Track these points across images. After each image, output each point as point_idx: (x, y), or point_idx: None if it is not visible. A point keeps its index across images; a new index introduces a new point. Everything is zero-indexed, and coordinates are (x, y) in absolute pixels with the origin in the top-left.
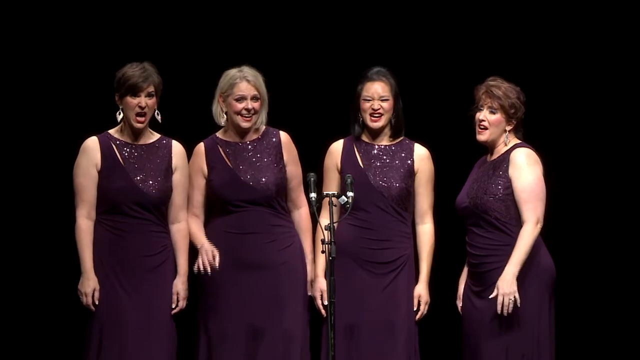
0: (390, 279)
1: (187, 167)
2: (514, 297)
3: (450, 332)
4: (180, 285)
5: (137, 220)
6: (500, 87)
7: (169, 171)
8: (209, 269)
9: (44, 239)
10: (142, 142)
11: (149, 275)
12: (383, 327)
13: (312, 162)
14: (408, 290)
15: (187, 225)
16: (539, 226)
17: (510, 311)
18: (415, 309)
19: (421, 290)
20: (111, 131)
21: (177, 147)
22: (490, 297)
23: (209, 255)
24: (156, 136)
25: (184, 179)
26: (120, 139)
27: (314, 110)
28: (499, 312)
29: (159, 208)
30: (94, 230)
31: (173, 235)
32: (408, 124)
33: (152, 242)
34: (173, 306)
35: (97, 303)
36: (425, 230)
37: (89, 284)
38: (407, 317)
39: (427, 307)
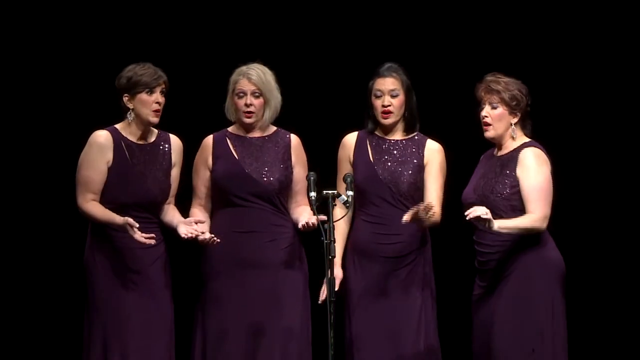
0: (405, 274)
1: (181, 161)
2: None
3: (461, 332)
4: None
5: (138, 218)
6: (499, 82)
7: (169, 168)
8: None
9: (41, 238)
10: (145, 141)
11: (150, 270)
12: (397, 325)
13: (316, 162)
14: (423, 286)
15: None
16: (545, 223)
17: (472, 215)
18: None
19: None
20: (118, 127)
21: (175, 143)
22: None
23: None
24: (156, 132)
25: (179, 172)
26: (128, 137)
27: (321, 109)
28: (467, 213)
29: (159, 206)
30: (95, 227)
31: (166, 214)
32: (423, 120)
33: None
34: (197, 230)
35: (136, 226)
36: None
37: (125, 224)
38: (422, 314)
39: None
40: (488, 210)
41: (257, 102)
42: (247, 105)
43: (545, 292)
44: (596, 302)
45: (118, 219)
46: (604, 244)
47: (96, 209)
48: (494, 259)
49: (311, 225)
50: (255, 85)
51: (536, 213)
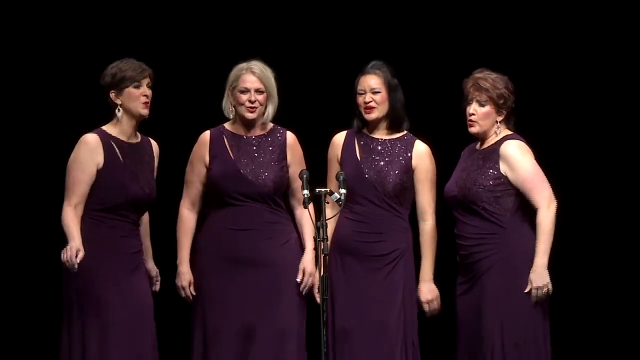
0: (387, 272)
1: (157, 166)
2: (548, 288)
3: (449, 328)
4: (153, 266)
5: (125, 219)
6: (487, 79)
7: (154, 170)
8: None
9: (28, 238)
10: (133, 140)
11: (134, 273)
12: (379, 324)
13: (310, 160)
14: (404, 284)
15: (147, 215)
16: (554, 206)
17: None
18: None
19: (423, 288)
20: (106, 128)
21: (156, 148)
22: (525, 291)
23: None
24: (139, 135)
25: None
26: (118, 136)
27: (317, 107)
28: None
29: (147, 207)
30: (89, 227)
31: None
32: (411, 117)
33: (134, 239)
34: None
35: (78, 259)
36: (426, 229)
37: (72, 247)
38: (402, 312)
39: (437, 302)
40: (538, 288)
41: (261, 97)
42: (251, 101)
43: (527, 286)
44: (579, 297)
45: (77, 239)
46: (588, 238)
47: (69, 216)
48: (476, 251)
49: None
50: (259, 79)
51: (541, 207)
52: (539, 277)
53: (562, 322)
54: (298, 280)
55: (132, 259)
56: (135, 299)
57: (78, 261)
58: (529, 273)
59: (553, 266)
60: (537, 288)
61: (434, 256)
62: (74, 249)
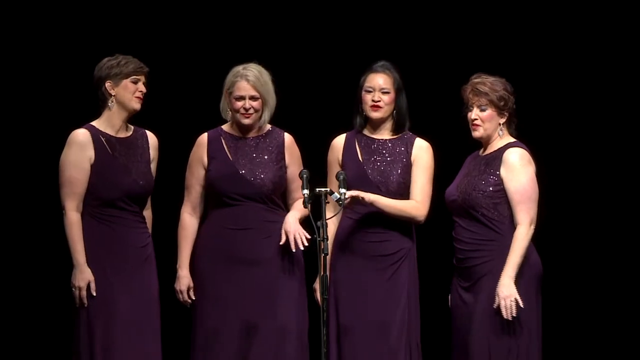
0: (392, 273)
1: (157, 157)
2: (515, 298)
3: (443, 327)
4: None
5: (126, 213)
6: (486, 83)
7: (149, 162)
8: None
9: (25, 236)
10: (123, 134)
11: (142, 267)
12: (382, 324)
13: (308, 161)
14: (408, 284)
15: (151, 212)
16: (533, 227)
17: (514, 314)
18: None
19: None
20: (95, 124)
21: (152, 138)
22: (494, 305)
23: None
24: (132, 128)
25: (155, 167)
26: (106, 132)
27: (316, 108)
28: (504, 317)
29: (145, 199)
30: (86, 224)
31: None
32: (413, 118)
33: (140, 233)
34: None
35: (94, 294)
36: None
37: (84, 277)
38: (406, 312)
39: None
40: (505, 298)
41: (256, 103)
42: (245, 108)
43: (522, 291)
44: (575, 304)
45: (82, 258)
46: (586, 244)
47: (76, 227)
48: (473, 256)
49: (299, 241)
50: (253, 87)
51: (522, 224)
52: (506, 288)
53: (555, 326)
54: (281, 243)
55: (140, 252)
56: (143, 294)
57: (94, 293)
58: (523, 280)
59: (549, 268)
60: (504, 298)
61: (393, 205)
62: (84, 284)
